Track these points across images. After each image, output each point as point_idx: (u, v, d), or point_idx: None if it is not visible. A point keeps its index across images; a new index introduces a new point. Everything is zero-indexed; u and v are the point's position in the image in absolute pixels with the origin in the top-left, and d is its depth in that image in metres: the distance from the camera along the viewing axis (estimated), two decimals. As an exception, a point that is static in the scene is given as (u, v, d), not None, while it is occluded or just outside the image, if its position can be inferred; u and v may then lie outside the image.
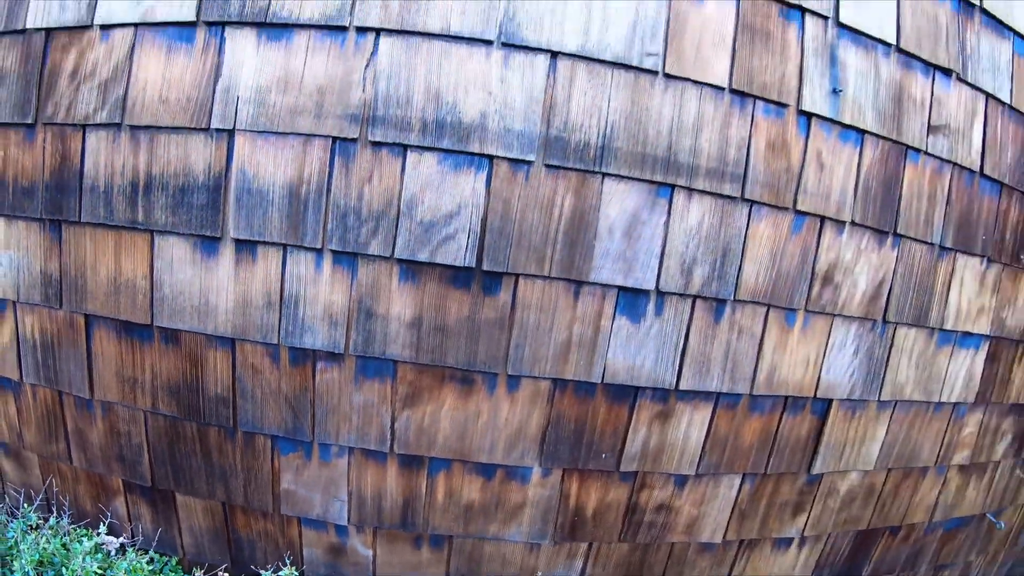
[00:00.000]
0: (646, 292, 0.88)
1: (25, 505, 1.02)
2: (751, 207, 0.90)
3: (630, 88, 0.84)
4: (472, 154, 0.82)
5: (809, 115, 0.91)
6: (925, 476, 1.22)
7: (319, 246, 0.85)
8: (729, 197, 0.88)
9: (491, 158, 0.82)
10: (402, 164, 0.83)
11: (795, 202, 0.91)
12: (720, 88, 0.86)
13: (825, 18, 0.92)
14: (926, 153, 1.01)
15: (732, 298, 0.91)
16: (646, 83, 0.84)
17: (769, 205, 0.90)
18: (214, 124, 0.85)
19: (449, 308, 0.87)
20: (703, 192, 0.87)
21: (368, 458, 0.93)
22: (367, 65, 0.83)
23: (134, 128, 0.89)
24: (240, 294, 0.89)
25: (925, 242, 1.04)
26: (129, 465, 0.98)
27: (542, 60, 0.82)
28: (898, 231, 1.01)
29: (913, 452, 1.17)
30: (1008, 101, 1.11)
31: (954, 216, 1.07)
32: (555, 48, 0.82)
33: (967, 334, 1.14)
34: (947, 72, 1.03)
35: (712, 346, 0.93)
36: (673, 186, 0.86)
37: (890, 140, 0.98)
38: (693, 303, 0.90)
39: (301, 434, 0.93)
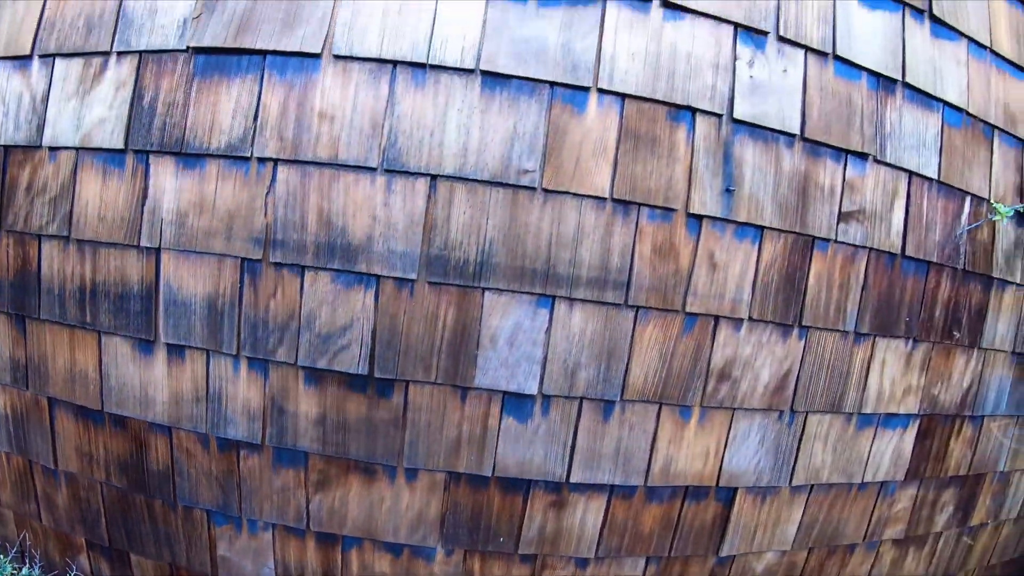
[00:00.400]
0: (531, 395, 0.94)
1: (1, 556, 1.21)
2: (637, 311, 0.93)
3: (508, 205, 0.88)
4: (361, 273, 0.90)
5: (700, 216, 0.93)
6: (853, 552, 1.22)
7: (235, 352, 0.96)
8: (613, 304, 0.92)
9: (378, 277, 0.90)
10: (300, 282, 0.92)
11: (684, 304, 0.94)
12: (601, 198, 0.89)
13: (718, 116, 0.93)
14: (836, 242, 1.00)
15: (620, 399, 0.95)
16: (524, 199, 0.89)
17: (657, 308, 0.93)
18: (143, 242, 0.97)
19: (349, 409, 0.96)
20: (585, 300, 0.91)
21: (289, 533, 1.05)
22: (268, 192, 0.92)
23: (80, 241, 1.02)
24: (173, 389, 1.01)
25: (837, 330, 1.03)
26: (89, 527, 1.15)
27: (422, 184, 0.88)
28: (804, 323, 1.01)
29: (837, 531, 1.18)
30: (935, 176, 1.07)
31: (872, 301, 1.05)
32: (434, 172, 0.88)
33: (892, 415, 1.12)
34: (862, 156, 1.00)
35: (602, 442, 0.97)
36: (554, 296, 0.90)
37: (793, 233, 0.97)
38: (580, 403, 0.95)
39: (231, 510, 1.05)
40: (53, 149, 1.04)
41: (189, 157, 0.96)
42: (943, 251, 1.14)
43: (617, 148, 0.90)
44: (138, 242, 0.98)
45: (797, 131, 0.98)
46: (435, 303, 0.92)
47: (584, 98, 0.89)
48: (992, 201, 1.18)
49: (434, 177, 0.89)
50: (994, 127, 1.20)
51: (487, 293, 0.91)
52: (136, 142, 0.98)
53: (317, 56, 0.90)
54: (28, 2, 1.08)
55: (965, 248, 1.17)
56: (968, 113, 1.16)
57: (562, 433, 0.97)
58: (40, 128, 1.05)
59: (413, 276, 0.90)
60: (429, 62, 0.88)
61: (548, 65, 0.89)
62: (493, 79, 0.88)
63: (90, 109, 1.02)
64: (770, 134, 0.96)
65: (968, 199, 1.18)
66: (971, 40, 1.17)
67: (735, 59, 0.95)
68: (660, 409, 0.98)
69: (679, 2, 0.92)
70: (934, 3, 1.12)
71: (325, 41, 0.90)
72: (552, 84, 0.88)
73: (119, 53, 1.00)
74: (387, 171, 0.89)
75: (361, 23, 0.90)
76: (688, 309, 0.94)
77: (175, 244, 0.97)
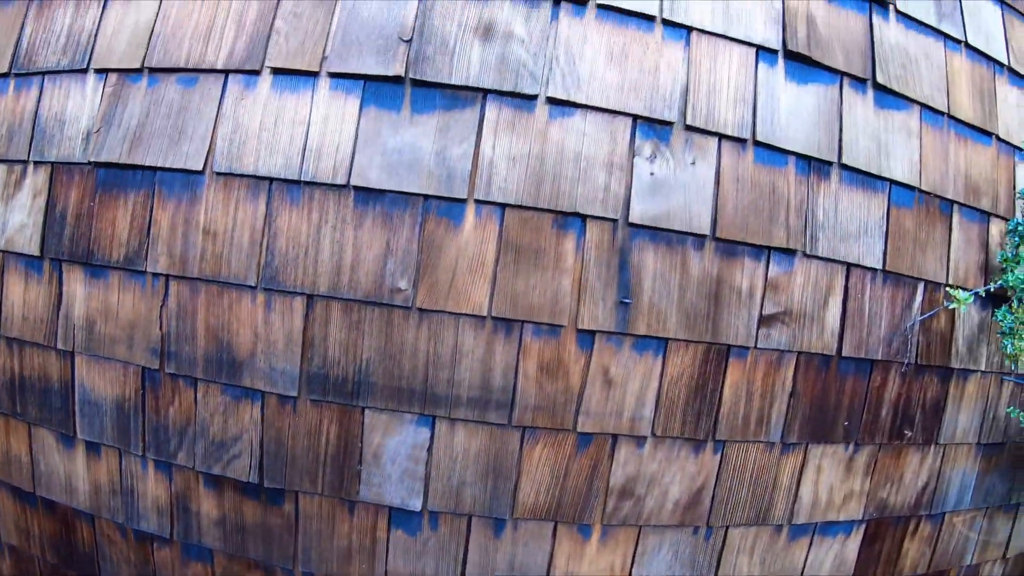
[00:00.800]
0: (416, 511, 0.93)
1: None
2: (523, 431, 0.90)
3: (383, 324, 0.88)
4: (247, 388, 0.92)
5: (592, 331, 0.87)
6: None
7: (142, 452, 1.02)
8: (497, 424, 0.89)
9: (262, 392, 0.91)
10: (194, 393, 0.96)
11: (576, 424, 0.90)
12: (480, 316, 0.86)
13: (612, 220, 0.87)
14: (756, 348, 0.92)
15: (510, 516, 0.93)
16: (399, 318, 0.87)
17: (545, 428, 0.90)
18: (59, 345, 1.04)
19: (246, 512, 0.99)
20: (466, 420, 0.88)
21: (205, 620, 1.10)
22: (162, 305, 0.95)
23: (9, 338, 1.10)
24: (93, 480, 1.09)
25: (760, 441, 0.96)
26: (35, 597, 1.25)
27: (299, 302, 0.89)
28: (719, 437, 0.94)
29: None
30: (879, 266, 0.97)
31: (802, 408, 0.97)
32: (309, 291, 0.88)
33: (832, 523, 1.03)
34: (788, 251, 0.91)
35: (495, 557, 0.96)
36: (434, 416, 0.88)
37: (704, 343, 0.90)
38: (468, 520, 0.94)
39: (152, 595, 1.12)
40: None
41: (95, 267, 1.01)
42: (890, 346, 1.03)
43: (497, 262, 0.87)
44: (55, 344, 1.06)
45: (707, 231, 0.91)
46: (317, 418, 0.93)
47: (460, 210, 0.87)
48: (949, 286, 1.05)
49: (311, 296, 0.90)
50: (953, 202, 1.07)
51: (367, 411, 0.91)
52: (51, 250, 1.04)
53: (200, 173, 0.92)
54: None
55: (918, 340, 1.06)
56: (921, 190, 1.04)
57: (452, 547, 0.97)
58: (-24, 230, 1.15)
59: (294, 393, 0.92)
60: (302, 179, 0.88)
61: (422, 176, 0.87)
62: (366, 194, 0.88)
63: (12, 214, 1.09)
64: (675, 236, 0.90)
65: (921, 286, 1.06)
66: (924, 107, 1.04)
67: (633, 155, 0.89)
68: (556, 527, 0.96)
69: (567, 97, 0.88)
70: (878, 70, 1.00)
71: (207, 157, 0.93)
72: (426, 197, 0.87)
73: (35, 162, 1.07)
74: (266, 289, 0.91)
75: (239, 138, 0.92)
76: (580, 429, 0.91)
77: (86, 348, 1.03)
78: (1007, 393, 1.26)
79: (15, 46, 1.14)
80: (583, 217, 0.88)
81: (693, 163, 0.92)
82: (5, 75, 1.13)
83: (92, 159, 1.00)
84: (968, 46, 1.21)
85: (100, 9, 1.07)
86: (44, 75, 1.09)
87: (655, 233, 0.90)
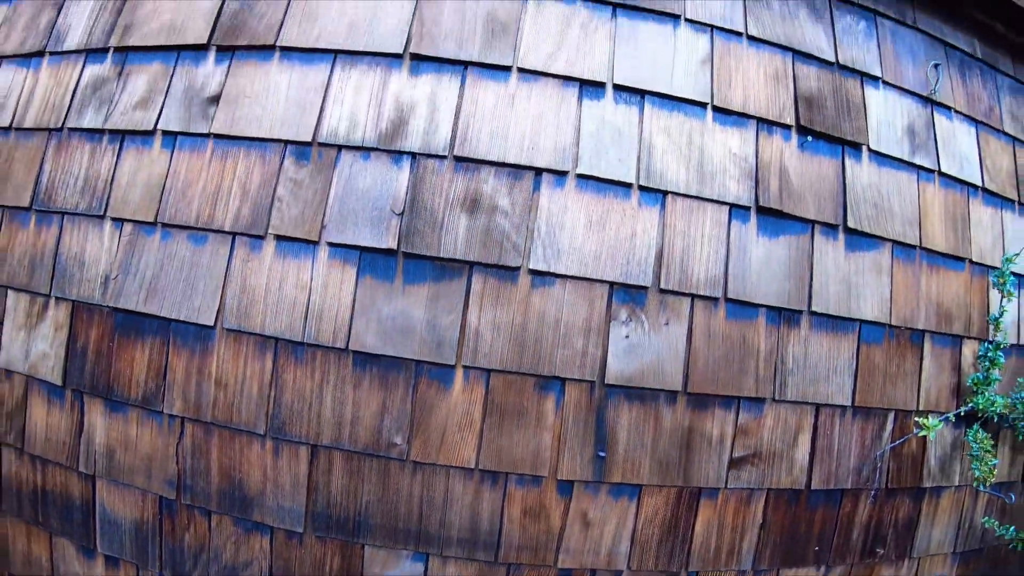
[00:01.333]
0: (412, 635, 1.06)
1: None
2: (509, 567, 1.03)
3: (381, 473, 1.01)
4: (256, 522, 1.04)
5: (571, 481, 0.99)
6: None
7: (159, 570, 1.15)
8: (484, 561, 1.00)
9: (271, 527, 1.03)
10: (208, 522, 1.10)
11: (556, 560, 1.02)
12: (469, 469, 0.98)
13: (590, 382, 0.97)
14: (727, 488, 1.03)
15: (497, 640, 1.05)
16: (395, 468, 1.00)
17: (529, 564, 1.02)
18: (80, 468, 1.18)
19: (256, 627, 1.12)
20: (457, 557, 1.00)
21: None
22: (178, 442, 1.08)
23: (32, 455, 1.23)
24: (116, 590, 1.22)
25: (731, 570, 1.07)
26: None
27: (304, 451, 1.02)
28: (691, 568, 1.06)
29: None
30: (848, 403, 1.08)
31: (773, 538, 1.09)
32: (313, 442, 1.01)
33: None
34: (758, 400, 1.01)
35: (484, 673, 1.08)
36: (427, 553, 1.00)
37: (676, 487, 1.01)
38: (459, 643, 1.06)
39: None
40: (8, 371, 1.27)
41: (115, 402, 1.14)
42: (859, 475, 1.14)
43: (483, 421, 0.99)
44: (77, 466, 1.20)
45: (679, 387, 1.02)
46: (321, 552, 1.07)
47: (450, 374, 0.99)
48: (917, 416, 1.15)
49: (314, 446, 1.02)
50: (924, 331, 1.17)
51: (367, 547, 1.05)
52: (72, 381, 1.18)
53: (212, 327, 1.05)
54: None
55: (889, 465, 1.16)
56: (891, 325, 1.14)
57: (445, 665, 1.10)
58: (-4, 352, 1.28)
59: (300, 529, 1.06)
60: (306, 340, 1.01)
61: (414, 343, 0.99)
62: (363, 357, 1.01)
63: (36, 343, 1.23)
64: (649, 392, 1.02)
65: (891, 415, 1.17)
66: (896, 243, 1.15)
67: (609, 320, 1.00)
68: (540, 647, 1.09)
69: (548, 269, 0.99)
70: (849, 214, 1.10)
71: (218, 314, 1.05)
72: (418, 362, 0.99)
73: (57, 298, 1.20)
74: (274, 437, 1.04)
75: (247, 298, 1.05)
76: (560, 565, 1.04)
77: (106, 474, 1.17)
78: (983, 502, 1.36)
79: (35, 182, 1.27)
80: (563, 380, 1.01)
81: (667, 324, 1.03)
82: (27, 209, 1.27)
83: (111, 304, 1.13)
84: (942, 174, 1.30)
85: (115, 157, 1.19)
86: (63, 215, 1.23)
87: (630, 391, 1.02)
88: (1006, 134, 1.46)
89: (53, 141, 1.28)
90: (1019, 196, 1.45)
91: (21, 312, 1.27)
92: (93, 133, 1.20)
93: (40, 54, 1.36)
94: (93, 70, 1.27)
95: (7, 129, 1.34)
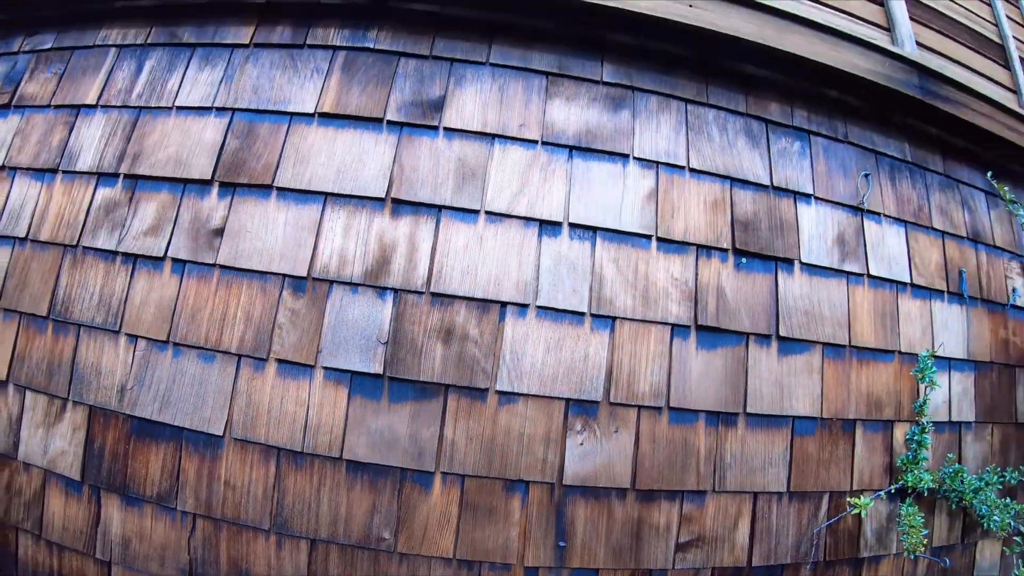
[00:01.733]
0: None
1: None
2: (483, 641, 1.20)
3: (372, 562, 1.22)
4: None
5: (536, 567, 1.17)
6: None
7: None
8: None
9: None
10: (218, 604, 1.25)
11: None
12: (448, 558, 1.17)
13: (550, 484, 1.16)
14: (674, 569, 1.22)
15: None
16: (384, 558, 1.22)
17: None
18: (97, 554, 1.35)
19: None
20: None
21: None
22: (190, 535, 1.25)
23: (49, 541, 1.40)
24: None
25: None
26: None
27: (304, 545, 1.22)
28: (643, 639, 1.24)
29: None
30: (784, 489, 1.28)
31: (713, 612, 1.27)
32: (312, 537, 1.21)
33: None
34: (700, 492, 1.20)
35: None
36: None
37: (629, 569, 1.20)
38: None
39: None
40: (26, 464, 1.43)
41: (131, 498, 1.32)
42: (798, 551, 1.34)
43: (459, 518, 1.19)
44: (94, 553, 1.37)
45: (628, 485, 1.22)
46: (319, 631, 1.25)
47: (430, 479, 1.19)
48: (851, 496, 1.35)
49: (313, 540, 1.20)
50: (856, 420, 1.37)
51: (360, 627, 1.23)
52: (90, 477, 1.36)
53: (220, 437, 1.23)
54: (1, 333, 1.45)
55: (826, 540, 1.36)
56: (823, 418, 1.33)
57: None
58: (16, 444, 1.44)
59: (302, 614, 1.24)
60: (305, 451, 1.20)
61: (399, 453, 1.19)
62: (355, 465, 1.20)
63: (54, 440, 1.40)
64: (602, 490, 1.21)
65: (826, 496, 1.36)
66: (826, 344, 1.34)
67: (566, 431, 1.20)
68: None
69: (512, 389, 1.18)
70: (781, 324, 1.30)
71: (226, 425, 1.23)
72: (403, 469, 1.18)
73: (74, 401, 1.37)
74: (277, 532, 1.22)
75: (252, 413, 1.23)
76: (528, 640, 1.23)
77: (122, 561, 1.35)
78: (923, 566, 1.56)
79: (52, 294, 1.44)
80: (527, 482, 1.21)
81: (616, 431, 1.22)
82: (44, 317, 1.43)
83: (127, 412, 1.30)
84: (871, 276, 1.50)
85: (128, 278, 1.36)
86: (80, 326, 1.39)
87: (585, 490, 1.22)
88: (935, 229, 1.65)
89: (68, 256, 1.45)
90: (947, 286, 1.65)
91: (40, 411, 1.43)
92: (107, 253, 1.38)
93: (54, 171, 1.53)
94: (105, 193, 1.44)
95: (23, 239, 1.51)
